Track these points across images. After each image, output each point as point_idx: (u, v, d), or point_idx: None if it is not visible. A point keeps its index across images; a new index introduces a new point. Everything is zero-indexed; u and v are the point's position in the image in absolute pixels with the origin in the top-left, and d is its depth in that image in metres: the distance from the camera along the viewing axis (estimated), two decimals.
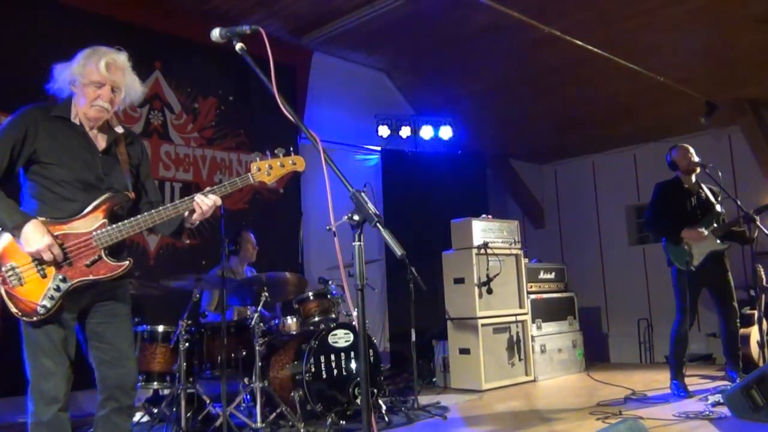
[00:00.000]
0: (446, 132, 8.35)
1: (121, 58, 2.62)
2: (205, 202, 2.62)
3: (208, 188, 2.67)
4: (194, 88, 6.42)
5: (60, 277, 2.44)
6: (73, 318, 2.54)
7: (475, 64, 7.62)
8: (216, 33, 2.21)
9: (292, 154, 2.66)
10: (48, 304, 2.41)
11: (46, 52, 5.26)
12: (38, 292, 2.42)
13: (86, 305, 2.58)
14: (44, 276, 2.43)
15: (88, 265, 2.49)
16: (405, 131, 8.18)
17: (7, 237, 2.45)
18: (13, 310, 2.41)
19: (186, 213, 2.65)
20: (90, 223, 2.52)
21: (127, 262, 2.58)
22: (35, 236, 2.39)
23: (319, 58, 7.59)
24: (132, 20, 5.86)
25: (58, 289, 2.43)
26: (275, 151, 2.64)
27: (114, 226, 2.53)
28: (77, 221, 2.51)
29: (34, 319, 2.41)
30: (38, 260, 2.43)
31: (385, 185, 7.93)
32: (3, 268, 2.42)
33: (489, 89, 8.12)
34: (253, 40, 2.22)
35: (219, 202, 2.65)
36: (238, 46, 2.17)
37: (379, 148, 8.20)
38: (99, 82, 2.54)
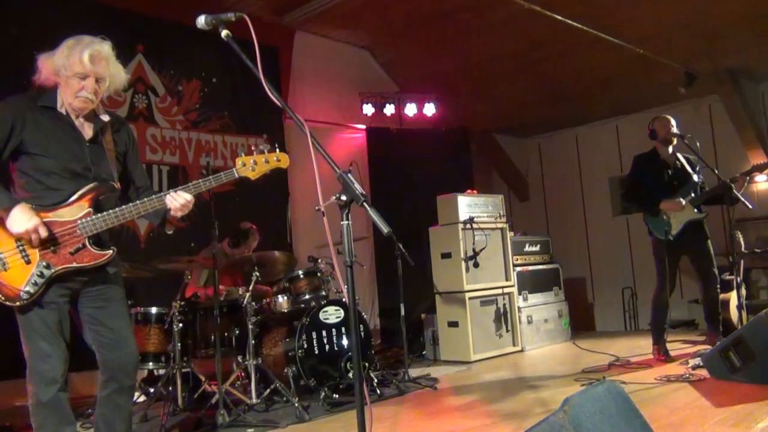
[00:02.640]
0: (430, 108, 8.42)
1: (105, 48, 2.60)
2: (177, 200, 2.64)
3: (192, 182, 2.71)
4: (177, 71, 6.42)
5: (44, 263, 2.48)
6: (66, 302, 2.59)
7: (457, 40, 7.65)
8: (201, 20, 2.23)
9: (277, 150, 2.71)
10: (31, 289, 2.46)
11: (28, 39, 5.27)
12: (22, 277, 2.46)
13: (78, 289, 2.63)
14: (28, 262, 2.47)
15: (72, 252, 2.53)
16: (389, 109, 8.24)
17: None
18: None
19: (168, 205, 2.67)
20: (75, 211, 2.56)
21: (111, 251, 2.62)
22: (23, 217, 2.41)
23: (302, 37, 7.60)
24: (113, 3, 5.83)
25: (41, 275, 2.47)
26: (260, 147, 2.69)
27: (98, 215, 2.57)
28: (62, 209, 2.54)
29: (17, 304, 2.45)
30: (22, 246, 2.46)
31: (371, 163, 7.99)
32: None
33: (471, 65, 8.16)
34: (236, 23, 2.24)
35: (190, 198, 2.66)
36: (224, 33, 2.19)
37: (364, 126, 8.24)
38: (83, 74, 2.54)
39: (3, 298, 2.45)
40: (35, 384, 2.51)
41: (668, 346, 5.33)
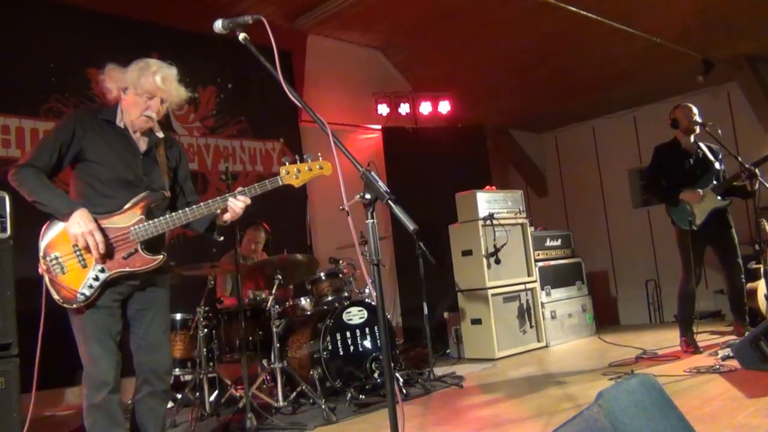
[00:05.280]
0: (445, 106, 8.40)
1: (173, 72, 2.80)
2: (238, 204, 2.78)
3: (239, 189, 2.80)
4: (193, 78, 6.43)
5: (99, 267, 2.61)
6: (118, 306, 2.71)
7: (469, 37, 7.61)
8: (218, 24, 2.26)
9: (320, 158, 2.74)
10: (87, 292, 2.58)
11: (46, 52, 5.33)
12: (79, 280, 2.58)
13: (129, 294, 2.75)
14: (84, 266, 2.60)
15: (125, 257, 2.65)
16: (404, 108, 8.24)
17: (53, 230, 2.62)
18: (56, 297, 2.58)
19: (218, 212, 2.80)
20: (128, 218, 2.68)
21: (161, 257, 2.73)
22: (82, 221, 2.54)
23: (314, 41, 7.62)
24: (127, 13, 5.89)
25: (96, 278, 2.60)
26: (304, 156, 2.73)
27: (150, 222, 2.69)
28: (116, 216, 2.67)
29: (74, 306, 2.58)
30: (79, 251, 2.58)
31: (388, 162, 7.97)
32: (48, 258, 2.59)
33: (485, 61, 8.11)
34: (250, 27, 2.26)
35: (248, 202, 2.82)
36: (242, 36, 2.21)
37: (379, 127, 8.24)
38: (152, 93, 2.71)
39: (62, 300, 2.58)
40: (87, 386, 2.62)
41: (695, 337, 5.26)
